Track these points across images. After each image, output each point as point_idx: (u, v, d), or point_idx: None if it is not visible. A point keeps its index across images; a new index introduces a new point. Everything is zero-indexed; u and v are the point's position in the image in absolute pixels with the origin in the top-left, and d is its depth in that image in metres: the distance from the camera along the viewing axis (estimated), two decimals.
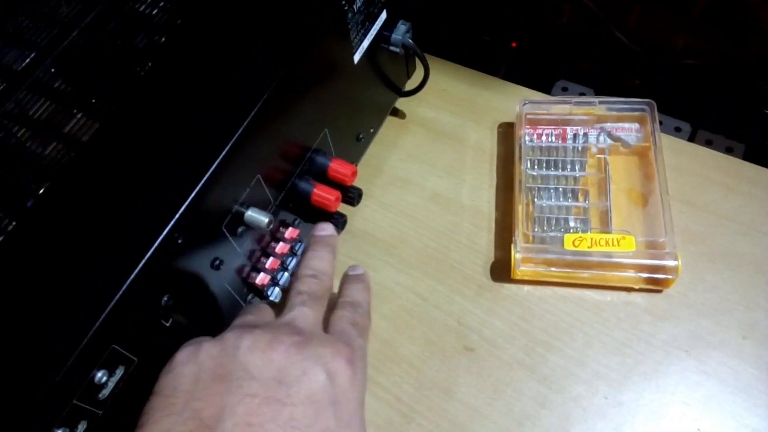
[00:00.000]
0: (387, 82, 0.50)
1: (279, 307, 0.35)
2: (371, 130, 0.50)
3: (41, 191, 0.33)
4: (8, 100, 0.36)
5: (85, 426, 0.28)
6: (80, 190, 0.32)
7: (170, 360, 0.30)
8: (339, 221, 0.43)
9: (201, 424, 0.27)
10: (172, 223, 0.29)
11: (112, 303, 0.27)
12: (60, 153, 0.34)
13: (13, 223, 0.32)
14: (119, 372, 0.29)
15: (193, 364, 0.29)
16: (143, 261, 0.28)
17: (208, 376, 0.28)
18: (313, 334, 0.31)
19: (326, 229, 0.40)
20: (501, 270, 0.46)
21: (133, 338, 0.29)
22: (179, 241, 0.30)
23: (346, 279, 0.38)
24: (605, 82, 0.66)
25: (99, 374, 0.28)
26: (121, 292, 0.27)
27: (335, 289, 0.38)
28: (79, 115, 0.35)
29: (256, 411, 0.27)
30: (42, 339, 0.27)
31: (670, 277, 0.42)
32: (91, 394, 0.28)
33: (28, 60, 0.37)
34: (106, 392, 0.29)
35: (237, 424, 0.26)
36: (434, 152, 0.53)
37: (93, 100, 0.36)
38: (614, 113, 0.49)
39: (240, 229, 0.35)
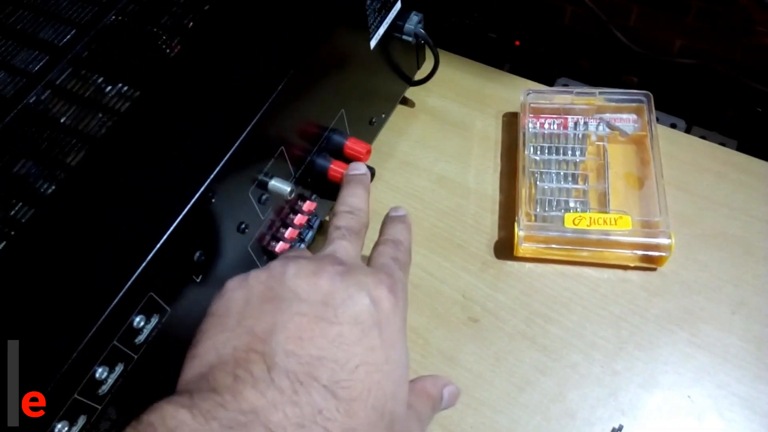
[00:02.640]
0: (398, 71, 0.53)
1: None
2: (383, 116, 0.53)
3: (83, 154, 0.35)
4: (51, 72, 0.38)
5: (121, 368, 0.31)
6: (123, 153, 0.35)
7: (221, 288, 0.31)
8: None
9: (254, 338, 0.28)
10: (208, 181, 0.32)
11: (154, 251, 0.30)
12: (100, 121, 0.37)
13: (53, 187, 0.35)
14: (154, 320, 0.32)
15: (244, 288, 0.30)
16: (182, 213, 0.31)
17: (258, 299, 0.30)
18: (355, 265, 0.32)
19: (359, 168, 0.40)
20: (504, 248, 0.48)
21: (168, 289, 0.32)
22: (213, 200, 0.32)
23: (387, 220, 0.38)
24: (604, 79, 0.69)
25: (137, 319, 0.30)
26: (162, 241, 0.30)
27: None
28: (116, 89, 0.38)
29: (305, 327, 0.28)
30: (87, 283, 0.30)
31: (664, 254, 0.44)
32: (130, 338, 0.31)
33: (68, 36, 0.39)
34: (141, 338, 0.31)
35: (289, 337, 0.27)
36: (441, 139, 0.56)
37: (128, 76, 0.39)
38: (613, 104, 0.52)
39: (264, 197, 0.38)
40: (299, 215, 0.42)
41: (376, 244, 0.36)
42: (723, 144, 0.61)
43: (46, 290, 0.30)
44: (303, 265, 0.31)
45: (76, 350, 0.28)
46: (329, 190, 0.45)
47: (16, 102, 0.38)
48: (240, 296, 0.30)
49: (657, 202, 0.45)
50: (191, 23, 0.41)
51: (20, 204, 0.34)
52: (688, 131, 0.63)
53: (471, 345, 0.45)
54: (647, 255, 0.45)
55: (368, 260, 0.35)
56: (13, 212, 0.34)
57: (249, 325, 0.28)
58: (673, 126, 0.64)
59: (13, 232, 0.33)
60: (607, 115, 0.52)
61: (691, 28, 0.62)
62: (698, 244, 0.47)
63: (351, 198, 0.38)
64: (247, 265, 0.39)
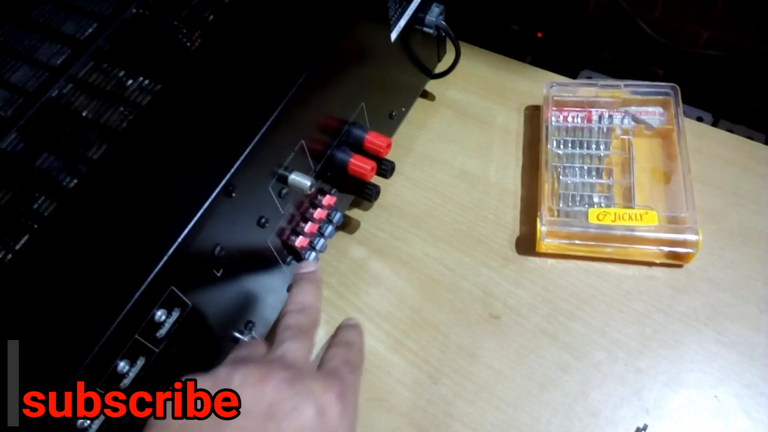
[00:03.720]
0: (419, 63, 0.52)
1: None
2: (403, 109, 0.52)
3: (104, 148, 0.35)
4: (73, 65, 0.38)
5: (143, 362, 0.31)
6: (144, 147, 0.35)
7: None
8: (373, 191, 0.45)
9: None
10: (228, 175, 0.31)
11: (175, 245, 0.30)
12: (121, 115, 0.37)
13: (75, 181, 0.35)
14: (175, 314, 0.32)
15: None
16: (203, 208, 0.30)
17: None
18: (304, 369, 0.32)
19: (309, 266, 0.40)
20: (526, 244, 0.48)
21: (189, 283, 0.32)
22: (233, 194, 0.32)
23: (340, 326, 0.39)
24: (628, 72, 0.67)
25: (158, 313, 0.30)
26: (182, 235, 0.30)
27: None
28: (137, 82, 0.38)
29: None
30: (109, 277, 0.30)
31: (690, 251, 0.43)
32: (151, 331, 0.31)
33: (90, 30, 0.39)
34: (162, 332, 0.31)
35: None
36: (462, 133, 0.55)
37: (149, 70, 0.38)
38: (639, 97, 0.51)
39: (284, 191, 0.37)
40: (319, 209, 0.42)
41: (328, 347, 0.36)
42: (750, 138, 0.59)
43: (68, 284, 0.30)
44: (250, 371, 0.31)
45: (98, 344, 0.28)
46: (349, 185, 0.45)
47: (38, 95, 0.38)
48: None
49: (684, 197, 0.44)
50: (211, 16, 0.41)
51: (43, 197, 0.34)
52: (714, 125, 0.62)
53: (492, 342, 0.44)
54: (673, 251, 0.44)
55: (320, 363, 0.35)
56: (35, 205, 0.34)
57: None
58: (700, 119, 0.62)
59: (35, 226, 0.33)
60: (633, 108, 0.51)
61: (718, 19, 0.61)
62: (725, 240, 0.46)
63: (301, 296, 0.38)
64: (266, 259, 0.39)
